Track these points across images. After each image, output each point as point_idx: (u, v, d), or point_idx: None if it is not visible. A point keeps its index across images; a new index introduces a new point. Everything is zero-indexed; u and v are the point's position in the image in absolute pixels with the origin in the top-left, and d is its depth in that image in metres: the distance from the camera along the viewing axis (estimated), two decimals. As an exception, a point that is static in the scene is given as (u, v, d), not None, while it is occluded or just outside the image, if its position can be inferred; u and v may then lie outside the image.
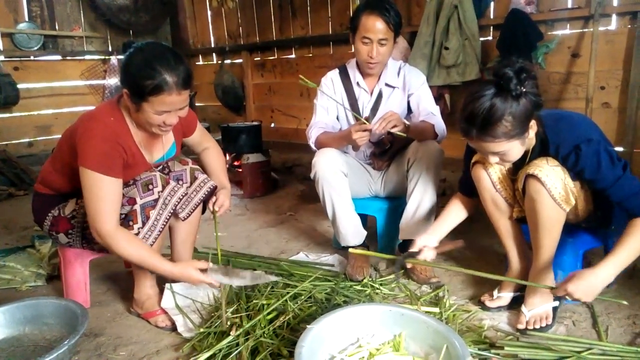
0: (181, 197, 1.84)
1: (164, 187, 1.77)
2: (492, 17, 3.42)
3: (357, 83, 2.30)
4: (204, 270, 1.71)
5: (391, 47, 2.16)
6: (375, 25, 2.07)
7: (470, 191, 1.89)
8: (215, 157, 2.09)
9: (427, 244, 1.77)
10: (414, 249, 1.76)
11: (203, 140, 2.09)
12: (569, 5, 3.06)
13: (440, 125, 2.19)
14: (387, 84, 2.28)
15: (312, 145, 2.27)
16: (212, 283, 1.70)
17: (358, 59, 2.24)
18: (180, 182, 1.89)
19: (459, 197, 1.93)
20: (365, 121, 2.04)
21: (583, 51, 3.04)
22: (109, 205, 1.63)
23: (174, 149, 1.93)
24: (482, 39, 3.32)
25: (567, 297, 1.47)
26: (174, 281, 2.04)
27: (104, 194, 1.61)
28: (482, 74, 3.28)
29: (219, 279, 1.72)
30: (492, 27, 3.42)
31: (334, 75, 2.36)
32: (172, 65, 1.57)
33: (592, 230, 1.86)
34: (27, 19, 4.93)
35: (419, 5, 3.72)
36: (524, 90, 1.45)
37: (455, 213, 1.91)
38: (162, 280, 2.12)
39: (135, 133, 1.75)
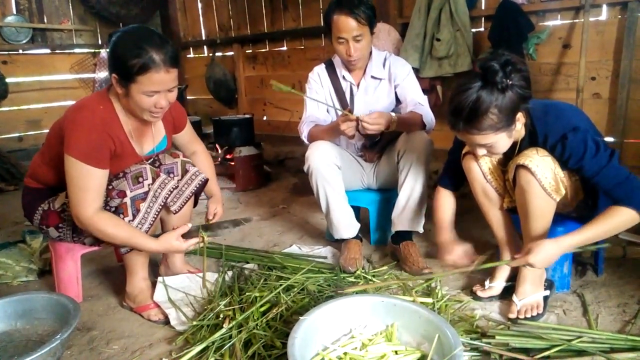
0: (172, 190, 1.83)
1: (154, 180, 1.76)
2: (483, 8, 3.41)
3: (343, 77, 2.30)
4: (185, 235, 1.74)
5: (368, 40, 2.16)
6: (347, 24, 2.07)
7: (452, 185, 1.90)
8: (204, 163, 2.08)
9: (463, 249, 1.75)
10: (459, 262, 1.73)
11: (192, 141, 2.09)
12: (560, -4, 3.07)
13: (428, 115, 2.19)
14: (372, 77, 2.28)
15: (305, 140, 2.27)
16: (194, 244, 1.75)
17: (339, 57, 2.24)
18: (172, 175, 1.88)
19: (444, 191, 1.92)
20: (348, 113, 2.02)
21: (574, 42, 3.05)
22: (92, 194, 1.63)
23: (164, 142, 1.92)
24: (473, 30, 3.32)
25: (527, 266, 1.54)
26: (167, 274, 2.05)
27: (87, 183, 1.62)
28: (474, 66, 3.28)
29: (200, 235, 1.77)
30: (483, 18, 3.42)
31: (320, 69, 2.36)
32: (158, 43, 1.57)
33: (582, 219, 1.85)
34: (15, 12, 4.87)
35: (410, -4, 3.71)
36: (510, 83, 1.46)
37: (450, 208, 1.90)
38: (154, 274, 2.13)
39: (126, 123, 1.74)
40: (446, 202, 1.91)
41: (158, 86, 1.59)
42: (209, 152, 2.24)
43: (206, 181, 1.96)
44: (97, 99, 1.71)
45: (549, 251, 1.50)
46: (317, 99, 2.29)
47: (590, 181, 1.57)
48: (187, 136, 2.07)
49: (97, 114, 1.65)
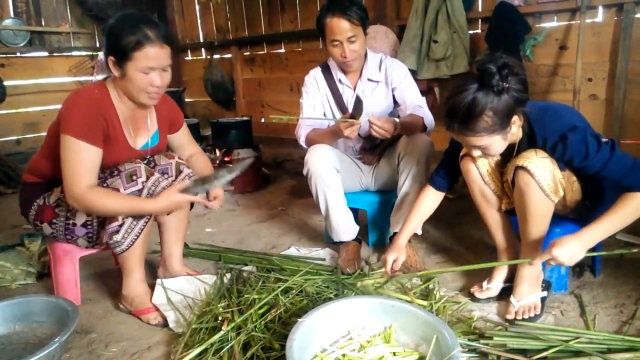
0: (165, 188, 1.83)
1: (148, 178, 1.77)
2: (480, 10, 3.44)
3: (339, 80, 2.31)
4: (185, 191, 1.74)
5: (363, 41, 2.16)
6: (340, 26, 2.08)
7: (443, 185, 1.91)
8: (202, 163, 2.08)
9: (396, 257, 1.87)
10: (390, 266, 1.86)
11: (189, 144, 2.10)
12: (556, -2, 3.08)
13: (427, 116, 2.20)
14: (369, 79, 2.28)
15: (303, 144, 2.27)
16: (198, 200, 1.79)
17: (334, 61, 2.25)
18: (166, 176, 1.88)
19: (430, 190, 1.93)
20: (349, 120, 2.02)
21: (570, 43, 3.07)
22: (85, 170, 1.66)
23: (156, 137, 1.93)
24: (470, 32, 3.34)
25: (551, 262, 1.49)
26: (165, 276, 2.05)
27: (80, 159, 1.66)
28: (471, 67, 3.30)
29: (202, 190, 1.79)
30: (480, 20, 3.44)
31: (316, 73, 2.36)
32: (151, 22, 1.67)
33: (580, 220, 1.87)
34: (12, 15, 4.88)
35: (407, -2, 3.72)
36: (507, 86, 1.46)
37: (427, 209, 1.93)
38: (152, 276, 2.13)
39: (121, 110, 1.78)
40: (427, 203, 1.93)
41: (153, 62, 1.65)
42: (208, 155, 2.24)
43: None
44: (93, 86, 1.80)
45: (574, 246, 1.47)
46: (315, 109, 2.31)
47: (596, 177, 1.57)
48: (184, 137, 2.08)
49: (91, 96, 1.72)
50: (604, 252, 1.89)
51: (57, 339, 1.45)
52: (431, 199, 1.93)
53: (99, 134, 1.69)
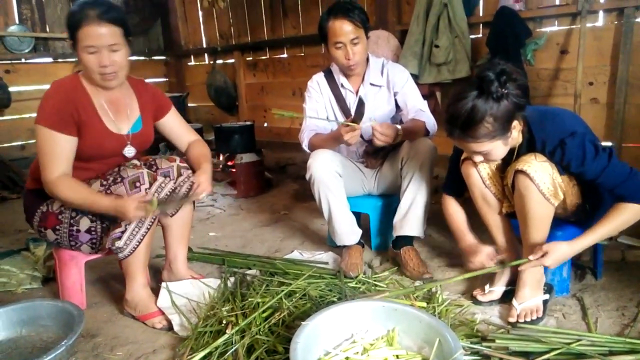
0: (168, 194, 1.84)
1: (151, 184, 1.78)
2: (481, 14, 3.45)
3: (342, 85, 2.32)
4: (145, 203, 1.68)
5: (365, 44, 2.18)
6: (343, 28, 2.10)
7: (456, 191, 1.93)
8: (199, 147, 2.05)
9: (488, 251, 1.79)
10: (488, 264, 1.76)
11: (185, 131, 2.09)
12: (557, 2, 3.09)
13: (430, 120, 2.21)
14: (371, 84, 2.30)
15: (306, 149, 2.29)
16: (142, 216, 1.71)
17: (337, 64, 2.26)
18: (167, 179, 1.89)
19: (450, 199, 1.95)
20: (352, 123, 2.03)
21: (571, 47, 3.08)
22: (56, 158, 1.72)
23: (139, 123, 1.94)
24: (472, 36, 3.35)
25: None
26: (170, 279, 2.07)
27: (52, 148, 1.72)
28: (473, 72, 3.31)
29: (161, 209, 1.77)
30: (481, 25, 3.45)
31: (319, 78, 2.38)
32: (95, 3, 1.69)
33: (581, 223, 1.88)
34: (17, 21, 4.91)
35: (409, 3, 3.74)
36: (505, 92, 1.48)
37: (461, 214, 1.94)
38: (156, 280, 2.14)
39: (96, 96, 1.83)
40: (456, 209, 1.94)
41: (93, 40, 1.68)
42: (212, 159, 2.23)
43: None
44: (67, 76, 1.85)
45: (564, 253, 1.58)
46: (318, 114, 2.31)
47: (593, 183, 1.59)
48: (176, 123, 2.07)
49: (61, 85, 1.79)
50: (606, 252, 1.90)
51: (63, 343, 1.46)
52: (457, 207, 1.94)
53: (69, 122, 1.74)
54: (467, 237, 1.87)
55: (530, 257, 1.61)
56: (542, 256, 1.58)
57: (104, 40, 1.69)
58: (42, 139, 1.72)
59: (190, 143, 2.09)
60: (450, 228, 1.94)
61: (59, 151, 1.73)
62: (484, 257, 1.75)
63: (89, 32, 1.67)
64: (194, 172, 1.93)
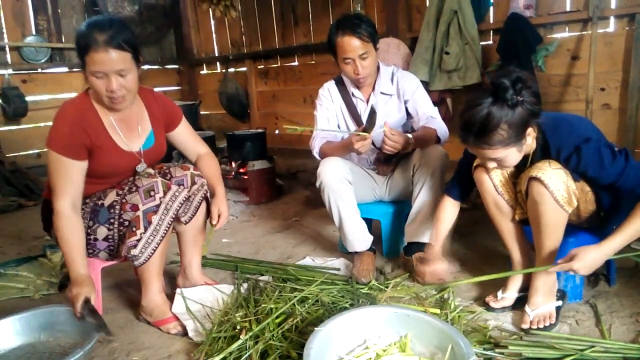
0: (182, 202, 1.87)
1: (165, 193, 1.81)
2: (491, 21, 3.47)
3: (352, 93, 2.35)
4: (87, 301, 1.65)
5: (374, 56, 2.20)
6: (351, 44, 2.12)
7: (459, 195, 1.95)
8: (208, 164, 2.08)
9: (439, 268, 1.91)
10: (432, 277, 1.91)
11: (194, 142, 2.11)
12: (568, 9, 3.10)
13: (441, 127, 2.23)
14: (381, 92, 2.32)
15: (317, 156, 2.31)
16: (75, 314, 1.65)
17: (347, 77, 2.28)
18: (182, 187, 1.92)
19: (448, 200, 1.97)
20: (363, 133, 2.05)
21: (582, 53, 3.08)
22: (65, 184, 1.72)
23: (151, 139, 1.95)
24: (482, 43, 3.37)
25: (569, 271, 1.54)
26: (184, 285, 2.09)
27: (61, 173, 1.72)
28: (483, 78, 3.32)
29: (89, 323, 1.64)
30: (492, 32, 3.47)
31: (330, 85, 2.40)
32: (104, 26, 1.65)
33: (594, 230, 1.88)
34: (34, 32, 5.02)
35: (419, 11, 3.77)
36: (521, 99, 1.49)
37: (450, 218, 1.97)
38: (171, 286, 2.17)
39: (105, 115, 1.82)
40: (448, 213, 1.97)
41: (100, 66, 1.65)
42: (223, 167, 2.26)
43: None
44: (78, 96, 1.83)
45: (594, 257, 1.51)
46: (329, 121, 2.34)
47: (611, 187, 1.59)
48: (186, 135, 2.08)
49: (72, 108, 1.77)
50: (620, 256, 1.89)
51: (80, 349, 1.49)
52: (450, 209, 1.97)
53: (79, 147, 1.74)
54: (436, 245, 1.95)
55: (559, 261, 1.57)
56: (571, 259, 1.52)
57: (112, 66, 1.65)
58: (52, 163, 1.73)
59: (200, 156, 2.10)
60: (433, 227, 1.99)
61: (67, 176, 1.73)
62: (429, 269, 1.91)
63: (97, 58, 1.64)
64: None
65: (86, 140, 1.75)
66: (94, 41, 1.63)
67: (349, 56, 2.14)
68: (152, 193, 1.78)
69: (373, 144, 2.27)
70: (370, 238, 2.31)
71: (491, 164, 1.65)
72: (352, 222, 2.23)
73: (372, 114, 2.29)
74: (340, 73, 2.41)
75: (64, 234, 1.71)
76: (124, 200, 1.78)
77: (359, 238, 2.26)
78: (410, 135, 2.10)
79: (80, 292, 1.65)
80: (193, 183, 1.95)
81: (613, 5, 2.98)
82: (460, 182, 1.93)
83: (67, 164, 1.72)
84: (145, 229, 1.76)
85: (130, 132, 1.89)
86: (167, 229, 1.83)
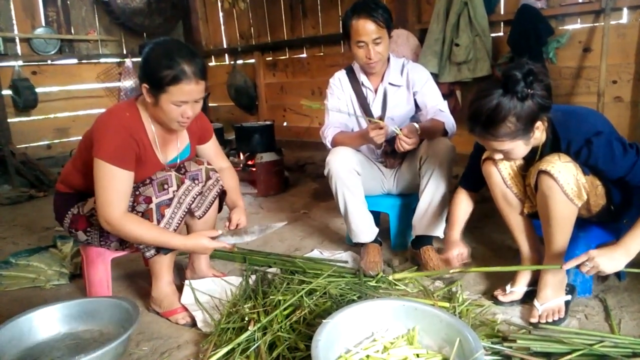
0: (196, 196, 1.89)
1: (178, 187, 1.82)
2: (502, 12, 3.43)
3: (362, 83, 2.34)
4: (215, 238, 1.81)
5: (387, 43, 2.19)
6: (366, 28, 2.11)
7: (472, 186, 1.95)
8: (229, 178, 2.11)
9: (461, 251, 1.86)
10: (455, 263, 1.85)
11: (218, 157, 2.13)
12: (579, 0, 3.06)
13: (449, 121, 2.21)
14: (390, 83, 2.31)
15: (328, 145, 2.30)
16: (224, 246, 1.82)
17: (358, 62, 2.28)
18: (196, 182, 1.93)
19: (462, 192, 1.97)
20: (378, 121, 2.07)
21: (594, 45, 3.04)
22: (118, 195, 1.69)
23: (187, 151, 1.98)
24: (492, 35, 3.33)
25: (589, 270, 1.47)
26: (193, 277, 2.11)
27: (114, 184, 1.69)
28: (493, 70, 3.29)
29: (229, 241, 1.84)
30: (502, 23, 3.43)
31: (341, 75, 2.39)
32: (189, 56, 1.66)
33: (604, 224, 1.87)
34: (44, 24, 5.04)
35: (429, 2, 3.74)
36: (531, 92, 1.48)
37: (465, 208, 1.96)
38: (180, 278, 2.19)
39: (150, 130, 1.81)
40: (463, 202, 1.96)
41: (187, 96, 1.67)
42: (231, 159, 2.28)
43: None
44: (124, 107, 1.80)
45: (619, 257, 1.46)
46: (341, 109, 2.32)
47: (621, 180, 1.58)
48: (212, 150, 2.11)
49: (123, 119, 1.74)
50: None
51: (123, 335, 1.51)
52: (465, 200, 1.96)
53: (130, 157, 1.72)
54: (454, 231, 1.92)
55: (582, 256, 1.49)
56: (595, 258, 1.46)
57: (196, 96, 1.70)
58: (102, 174, 1.68)
59: (222, 169, 2.12)
60: (448, 216, 1.98)
61: (120, 187, 1.69)
62: (452, 254, 1.83)
63: (185, 90, 1.65)
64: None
65: (137, 150, 1.75)
66: (183, 73, 1.63)
67: (363, 39, 2.13)
68: (165, 186, 1.80)
69: (387, 141, 2.26)
70: (376, 230, 2.31)
71: (497, 155, 1.64)
72: (357, 213, 2.23)
73: (385, 102, 2.29)
74: (352, 63, 2.39)
75: (142, 229, 1.72)
76: (137, 192, 1.79)
77: (364, 229, 2.26)
78: (417, 125, 2.09)
79: (203, 245, 1.79)
80: (208, 178, 1.97)
81: (626, -5, 2.93)
82: (473, 174, 1.92)
83: (120, 176, 1.69)
84: (158, 221, 1.78)
85: (168, 145, 1.90)
86: (179, 222, 1.84)
